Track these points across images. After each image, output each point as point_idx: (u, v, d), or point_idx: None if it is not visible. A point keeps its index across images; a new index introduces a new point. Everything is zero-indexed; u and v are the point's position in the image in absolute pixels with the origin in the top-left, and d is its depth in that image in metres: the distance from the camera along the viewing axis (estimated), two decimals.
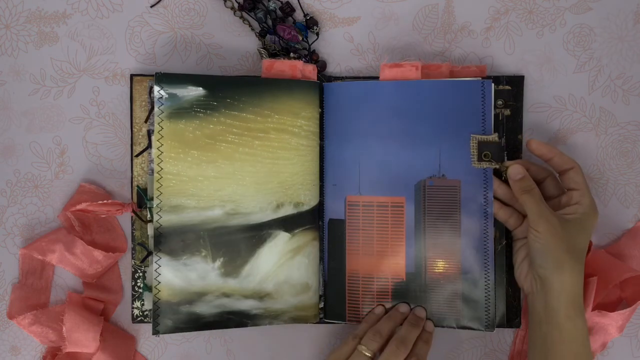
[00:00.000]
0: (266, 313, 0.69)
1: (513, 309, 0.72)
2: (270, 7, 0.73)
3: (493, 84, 0.70)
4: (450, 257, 0.68)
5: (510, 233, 0.71)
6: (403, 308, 0.69)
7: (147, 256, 0.71)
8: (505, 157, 0.68)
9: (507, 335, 0.73)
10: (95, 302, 0.72)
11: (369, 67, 0.74)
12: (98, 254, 0.70)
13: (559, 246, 0.62)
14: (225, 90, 0.67)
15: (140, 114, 0.72)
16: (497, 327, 0.71)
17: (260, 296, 0.68)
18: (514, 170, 0.65)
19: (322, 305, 0.71)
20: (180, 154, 0.66)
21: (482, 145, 0.67)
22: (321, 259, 0.71)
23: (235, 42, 0.74)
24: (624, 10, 0.73)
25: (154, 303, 0.67)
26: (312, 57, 0.73)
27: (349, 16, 0.74)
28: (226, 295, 0.68)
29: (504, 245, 0.71)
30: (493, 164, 0.67)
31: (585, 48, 0.73)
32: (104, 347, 0.70)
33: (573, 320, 0.62)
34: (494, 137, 0.67)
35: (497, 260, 0.70)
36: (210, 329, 0.68)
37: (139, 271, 0.72)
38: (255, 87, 0.68)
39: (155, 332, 0.67)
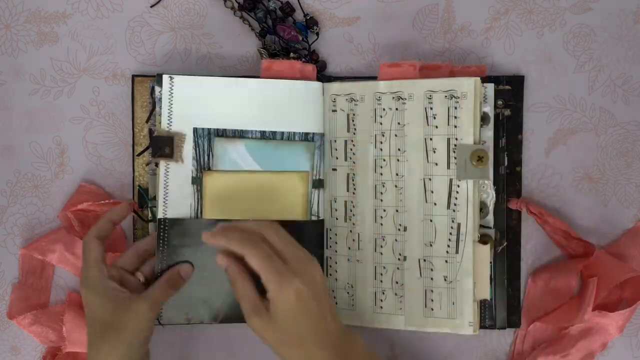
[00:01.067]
0: None
1: (513, 309, 0.72)
2: (270, 7, 0.73)
3: (493, 84, 0.70)
4: None
5: (509, 234, 0.71)
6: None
7: None
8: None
9: (507, 335, 0.73)
10: None
11: (369, 67, 0.74)
12: None
13: (274, 342, 0.59)
14: None
15: (141, 114, 0.72)
16: (497, 327, 0.71)
17: None
18: (218, 262, 0.61)
19: None
20: None
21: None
22: None
23: (235, 42, 0.74)
24: (624, 10, 0.73)
25: None
26: (312, 57, 0.73)
27: (349, 16, 0.74)
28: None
29: (504, 246, 0.71)
30: None
31: (585, 48, 0.73)
32: None
33: None
34: None
35: (497, 261, 0.71)
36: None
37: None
38: None
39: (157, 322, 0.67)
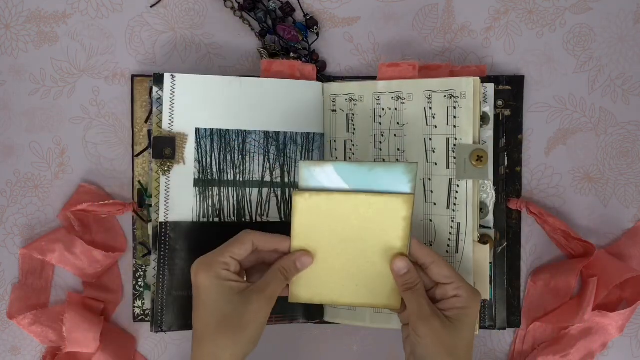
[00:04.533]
0: None
1: (513, 309, 0.72)
2: (270, 7, 0.73)
3: (493, 84, 0.70)
4: None
5: (509, 234, 0.71)
6: None
7: (146, 255, 0.71)
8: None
9: (507, 335, 0.73)
10: (95, 302, 0.72)
11: (369, 67, 0.74)
12: (98, 254, 0.70)
13: (440, 351, 0.58)
14: None
15: (141, 114, 0.72)
16: (497, 327, 0.71)
17: None
18: (398, 265, 0.60)
19: None
20: None
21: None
22: None
23: (235, 42, 0.74)
24: (624, 10, 0.73)
25: (153, 301, 0.67)
26: (312, 57, 0.73)
27: (349, 16, 0.74)
28: None
29: (504, 246, 0.71)
30: None
31: (585, 48, 0.73)
32: (104, 347, 0.70)
33: None
34: None
35: (497, 261, 0.71)
36: None
37: (140, 270, 0.72)
38: None
39: (157, 329, 0.67)
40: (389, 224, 0.60)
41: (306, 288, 0.62)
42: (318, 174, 0.60)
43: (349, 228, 0.60)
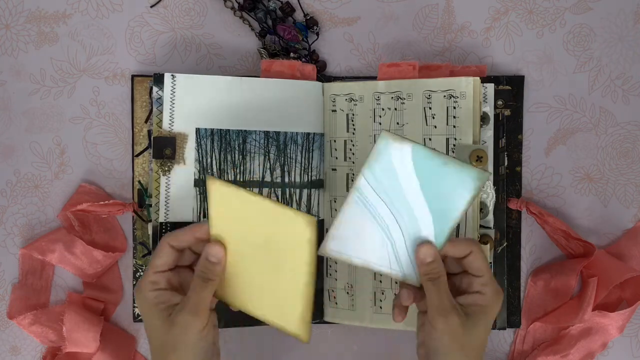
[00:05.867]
0: None
1: (513, 309, 0.72)
2: (270, 7, 0.73)
3: (493, 84, 0.70)
4: None
5: (509, 234, 0.71)
6: None
7: (146, 255, 0.71)
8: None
9: (507, 335, 0.73)
10: (95, 302, 0.72)
11: (369, 67, 0.74)
12: (98, 254, 0.70)
13: (455, 348, 0.56)
14: None
15: (141, 114, 0.72)
16: (497, 327, 0.71)
17: None
18: (424, 252, 0.57)
19: None
20: None
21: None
22: None
23: (235, 42, 0.74)
24: (624, 10, 0.73)
25: None
26: (312, 57, 0.73)
27: (349, 16, 0.74)
28: None
29: (504, 246, 0.71)
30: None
31: (585, 48, 0.73)
32: (104, 347, 0.70)
33: None
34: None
35: (497, 261, 0.71)
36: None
37: (140, 270, 0.72)
38: None
39: None
40: (295, 244, 0.55)
41: (228, 289, 0.58)
42: (394, 149, 0.56)
43: (258, 235, 0.56)
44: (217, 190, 0.55)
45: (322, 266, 0.72)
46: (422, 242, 0.57)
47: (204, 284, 0.56)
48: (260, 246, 0.56)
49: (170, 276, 0.57)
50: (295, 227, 0.54)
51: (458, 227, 0.67)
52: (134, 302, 0.72)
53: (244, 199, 0.55)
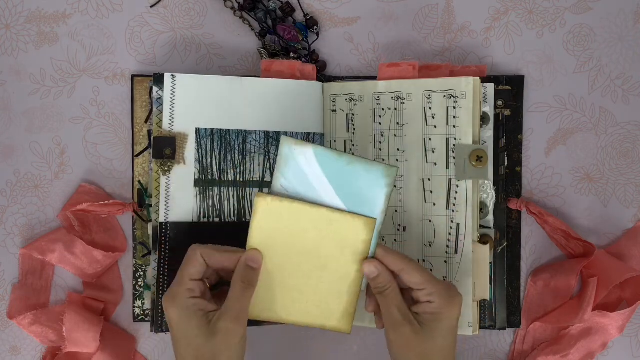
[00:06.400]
0: None
1: (513, 309, 0.72)
2: (270, 7, 0.73)
3: (493, 84, 0.70)
4: None
5: (509, 234, 0.71)
6: None
7: (146, 255, 0.71)
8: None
9: (507, 335, 0.73)
10: (95, 302, 0.72)
11: (369, 67, 0.74)
12: (98, 254, 0.70)
13: (413, 356, 0.57)
14: None
15: (141, 114, 0.72)
16: (497, 327, 0.71)
17: None
18: (367, 268, 0.58)
19: None
20: None
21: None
22: None
23: (235, 42, 0.74)
24: (624, 10, 0.73)
25: (153, 301, 0.67)
26: (312, 57, 0.73)
27: (349, 16, 0.74)
28: None
29: (504, 246, 0.71)
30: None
31: (585, 48, 0.73)
32: (104, 347, 0.70)
33: None
34: None
35: (497, 261, 0.71)
36: None
37: (140, 270, 0.72)
38: None
39: (157, 329, 0.67)
40: (347, 245, 0.58)
41: (255, 302, 0.59)
42: (298, 154, 0.57)
43: (306, 242, 0.58)
44: (267, 205, 0.58)
45: None
46: (366, 259, 0.59)
47: (245, 291, 0.57)
48: (305, 252, 0.59)
49: (202, 284, 0.58)
50: (351, 229, 0.58)
51: (458, 227, 0.67)
52: (134, 302, 0.72)
53: (294, 210, 0.58)
